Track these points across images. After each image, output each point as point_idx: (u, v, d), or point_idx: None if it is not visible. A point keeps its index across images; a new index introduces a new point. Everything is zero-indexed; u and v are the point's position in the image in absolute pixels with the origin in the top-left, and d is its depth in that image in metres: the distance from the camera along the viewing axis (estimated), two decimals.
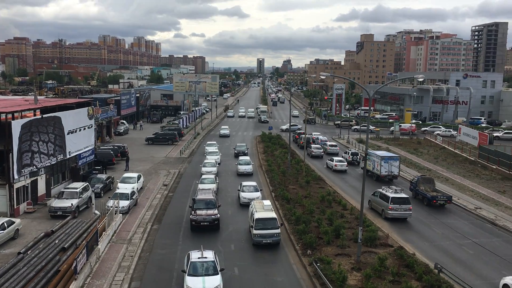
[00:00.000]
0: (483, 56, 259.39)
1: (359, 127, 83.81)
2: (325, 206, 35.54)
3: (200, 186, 38.45)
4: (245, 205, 35.33)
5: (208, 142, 64.63)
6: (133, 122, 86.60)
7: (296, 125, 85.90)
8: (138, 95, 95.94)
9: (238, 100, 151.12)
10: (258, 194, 37.18)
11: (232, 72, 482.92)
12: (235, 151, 59.66)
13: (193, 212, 30.99)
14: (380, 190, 36.30)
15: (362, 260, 25.37)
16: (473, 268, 25.83)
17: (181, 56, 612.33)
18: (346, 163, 52.61)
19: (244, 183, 39.08)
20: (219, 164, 52.11)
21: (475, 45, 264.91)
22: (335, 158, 53.55)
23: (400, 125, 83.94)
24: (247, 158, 52.02)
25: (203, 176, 41.74)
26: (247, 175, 47.54)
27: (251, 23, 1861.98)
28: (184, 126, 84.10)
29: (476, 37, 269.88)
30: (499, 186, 45.41)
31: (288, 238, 29.57)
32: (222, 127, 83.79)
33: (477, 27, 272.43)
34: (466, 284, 22.00)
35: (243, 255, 27.01)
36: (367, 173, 47.38)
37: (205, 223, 30.48)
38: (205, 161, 49.69)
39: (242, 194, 37.27)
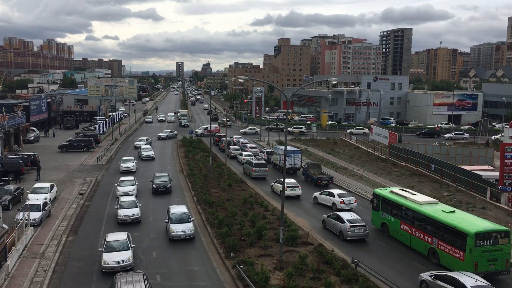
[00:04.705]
0: (391, 60, 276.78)
1: (291, 129, 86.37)
2: (247, 208, 35.85)
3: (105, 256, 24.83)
4: None
5: (124, 158, 54.11)
6: (45, 129, 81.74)
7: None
8: (49, 100, 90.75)
9: (156, 108, 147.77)
10: None
11: (150, 76, 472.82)
12: (153, 186, 42.06)
13: None
14: (248, 158, 52.32)
15: (284, 259, 25.92)
16: (385, 260, 27.40)
17: (96, 59, 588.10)
18: (253, 157, 56.56)
19: None
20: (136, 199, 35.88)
21: (384, 50, 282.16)
22: (244, 153, 58.78)
23: (207, 127, 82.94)
24: (182, 209, 31.83)
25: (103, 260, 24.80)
26: (186, 241, 29.69)
27: (167, 26, 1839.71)
28: (101, 132, 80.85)
29: (384, 42, 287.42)
30: (408, 182, 48.54)
31: (211, 242, 29.46)
32: (143, 147, 63.24)
33: (384, 33, 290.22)
34: (379, 275, 23.36)
35: (165, 262, 26.50)
36: (275, 166, 54.15)
37: None
38: (119, 212, 33.01)
39: None
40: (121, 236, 26.94)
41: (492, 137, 78.90)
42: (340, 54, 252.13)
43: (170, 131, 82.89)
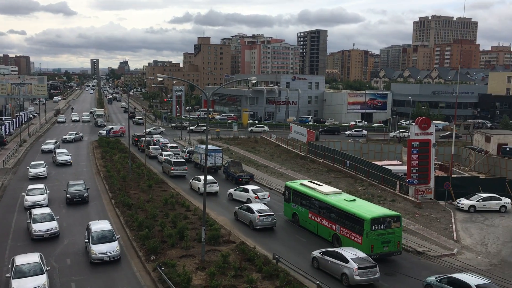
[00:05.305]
0: (308, 60, 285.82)
1: (194, 127, 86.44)
2: (168, 209, 35.21)
3: None
4: None
5: (33, 163, 49.79)
6: None
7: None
8: None
9: (72, 108, 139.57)
10: None
11: (62, 74, 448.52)
12: (68, 195, 38.10)
13: None
14: (167, 157, 51.41)
15: (206, 259, 25.77)
16: (305, 253, 28.23)
17: (1, 55, 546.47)
18: (173, 156, 55.26)
19: None
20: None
21: (301, 50, 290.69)
22: (164, 153, 57.60)
23: (112, 128, 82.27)
24: (105, 226, 28.08)
25: None
26: (110, 263, 25.85)
27: (80, 21, 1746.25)
28: (7, 133, 75.42)
29: (301, 43, 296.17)
30: (326, 178, 50.28)
31: (131, 245, 28.56)
32: (58, 151, 57.27)
33: (302, 34, 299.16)
34: (298, 268, 24.15)
35: (80, 269, 25.25)
36: (196, 166, 54.21)
37: None
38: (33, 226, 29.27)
39: None
40: (33, 257, 23.17)
41: (390, 134, 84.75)
42: (259, 53, 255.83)
43: (76, 133, 77.32)
